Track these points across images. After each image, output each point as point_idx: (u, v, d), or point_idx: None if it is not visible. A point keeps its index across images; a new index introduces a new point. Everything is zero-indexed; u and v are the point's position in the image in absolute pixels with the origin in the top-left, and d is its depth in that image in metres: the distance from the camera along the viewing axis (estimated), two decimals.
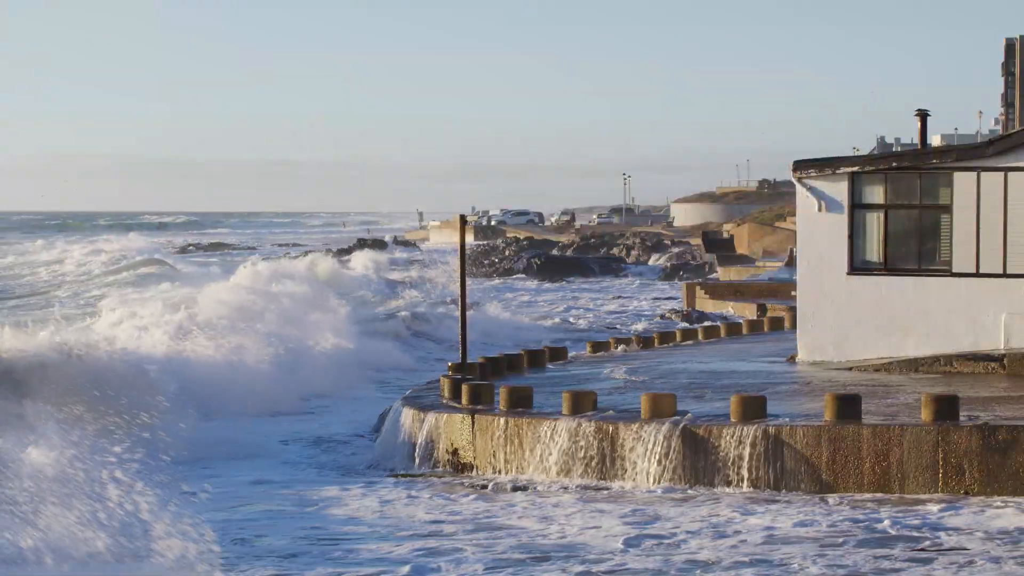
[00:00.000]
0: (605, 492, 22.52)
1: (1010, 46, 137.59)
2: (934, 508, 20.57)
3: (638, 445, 22.94)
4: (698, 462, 22.59)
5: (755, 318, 43.72)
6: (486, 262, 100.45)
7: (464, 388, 26.32)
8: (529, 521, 20.60)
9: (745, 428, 22.46)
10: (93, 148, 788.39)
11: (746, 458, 22.29)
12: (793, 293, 36.36)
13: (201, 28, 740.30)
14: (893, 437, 21.79)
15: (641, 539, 19.28)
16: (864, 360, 29.61)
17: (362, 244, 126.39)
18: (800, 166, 30.51)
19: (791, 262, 62.37)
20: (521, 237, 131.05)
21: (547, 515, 21.00)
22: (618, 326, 55.53)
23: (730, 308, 55.51)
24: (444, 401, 26.82)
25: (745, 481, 22.22)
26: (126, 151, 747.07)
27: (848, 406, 22.57)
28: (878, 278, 30.09)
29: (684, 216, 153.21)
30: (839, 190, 30.26)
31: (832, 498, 21.40)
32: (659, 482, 22.60)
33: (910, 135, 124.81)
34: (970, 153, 29.80)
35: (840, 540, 18.88)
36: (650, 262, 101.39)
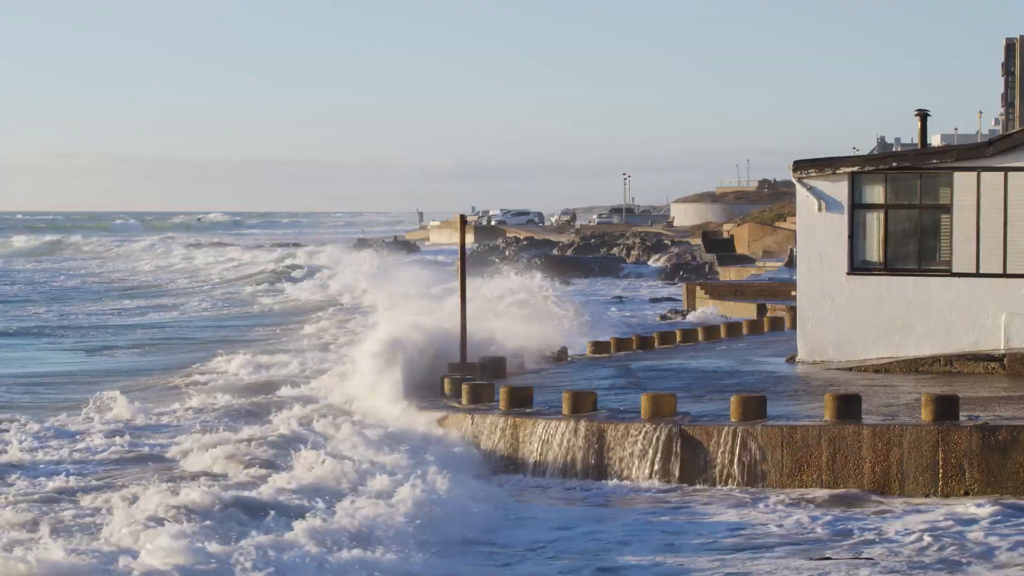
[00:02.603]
0: (598, 491, 22.56)
1: (1010, 46, 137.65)
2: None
3: (633, 446, 22.94)
4: (692, 462, 22.60)
5: (754, 318, 43.65)
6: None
7: (464, 388, 26.33)
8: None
9: (739, 428, 22.49)
10: (86, 147, 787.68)
11: (737, 458, 22.31)
12: (793, 293, 36.35)
13: (195, 26, 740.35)
14: (893, 437, 21.80)
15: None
16: (864, 360, 29.62)
17: (362, 244, 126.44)
18: (800, 166, 30.52)
19: (791, 262, 62.34)
20: (521, 237, 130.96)
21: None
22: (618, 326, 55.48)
23: (714, 307, 55.39)
24: (444, 401, 26.83)
25: (736, 480, 22.24)
26: (119, 150, 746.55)
27: (848, 406, 22.59)
28: (878, 278, 30.10)
29: (684, 216, 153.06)
30: (839, 190, 30.27)
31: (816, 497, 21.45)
32: (652, 481, 22.62)
33: (910, 135, 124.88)
34: (970, 153, 29.81)
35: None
36: (650, 262, 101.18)
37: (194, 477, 22.58)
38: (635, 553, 18.69)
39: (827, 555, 18.25)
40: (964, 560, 17.95)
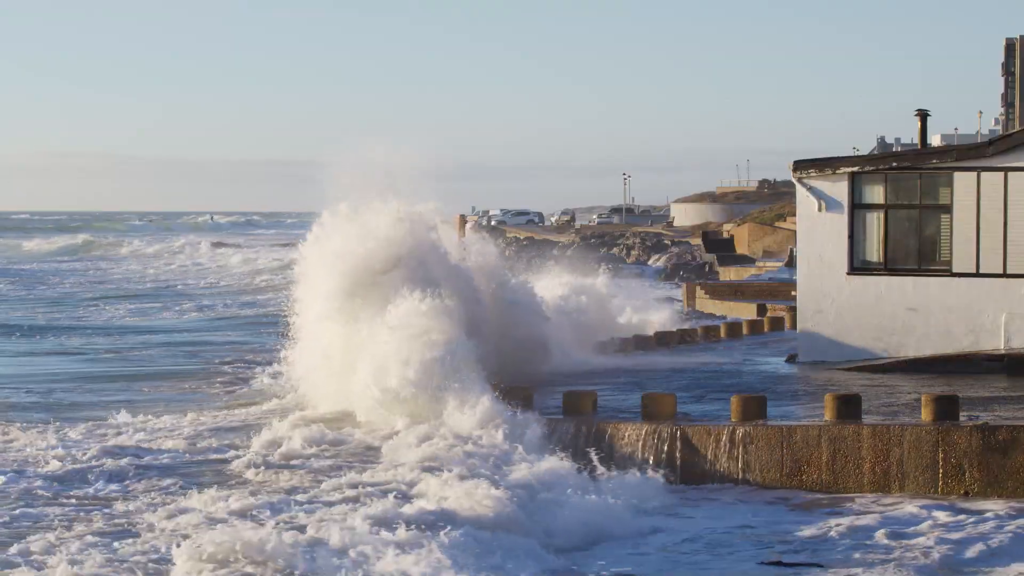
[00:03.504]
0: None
1: (1010, 46, 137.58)
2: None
3: (632, 445, 22.93)
4: (692, 462, 22.59)
5: (754, 318, 43.63)
6: None
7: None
8: None
9: (739, 428, 22.48)
10: (86, 146, 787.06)
11: (739, 457, 22.29)
12: (793, 293, 36.34)
13: (195, 26, 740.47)
14: (893, 437, 21.79)
15: None
16: (864, 360, 29.61)
17: None
18: (800, 166, 30.53)
19: (791, 262, 62.34)
20: (521, 237, 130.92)
21: None
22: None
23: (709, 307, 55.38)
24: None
25: (739, 480, 22.24)
26: (120, 150, 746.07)
27: (848, 406, 22.58)
28: (878, 278, 30.11)
29: (684, 216, 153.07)
30: (839, 190, 30.28)
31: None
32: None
33: (910, 135, 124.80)
34: (970, 153, 29.82)
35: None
36: (650, 262, 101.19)
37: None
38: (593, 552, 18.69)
39: (778, 560, 18.13)
40: (921, 566, 17.77)
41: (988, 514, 20.05)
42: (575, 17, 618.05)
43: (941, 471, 21.52)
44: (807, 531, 19.44)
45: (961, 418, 22.08)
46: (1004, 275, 29.29)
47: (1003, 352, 28.83)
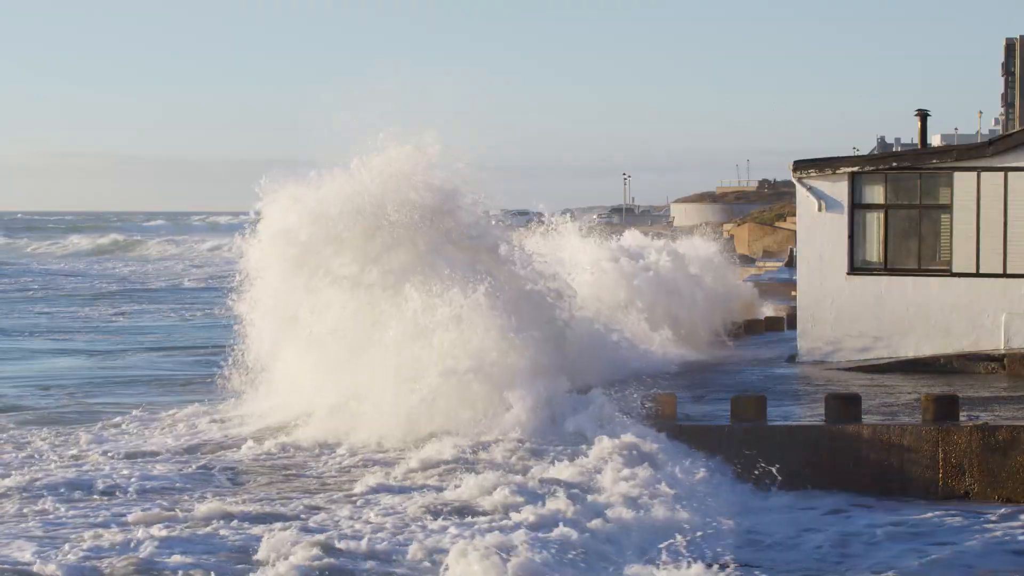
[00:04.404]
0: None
1: (1010, 46, 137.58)
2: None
3: None
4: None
5: (754, 318, 43.56)
6: None
7: None
8: None
9: (742, 427, 22.47)
10: (86, 147, 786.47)
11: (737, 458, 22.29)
12: (793, 293, 36.32)
13: (195, 26, 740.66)
14: (893, 437, 21.78)
15: None
16: (864, 360, 29.61)
17: None
18: (800, 166, 30.53)
19: (791, 262, 62.32)
20: None
21: None
22: None
23: None
24: None
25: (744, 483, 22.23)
26: (119, 150, 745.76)
27: (848, 406, 22.57)
28: (878, 278, 30.11)
29: (684, 216, 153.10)
30: (839, 190, 30.28)
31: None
32: None
33: (910, 135, 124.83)
34: (970, 153, 29.83)
35: None
36: None
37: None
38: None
39: (727, 562, 18.02)
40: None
41: (956, 520, 20.05)
42: (575, 17, 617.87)
43: (941, 471, 21.52)
44: (778, 533, 19.41)
45: (961, 418, 22.09)
46: (1004, 275, 29.30)
47: (1003, 352, 28.84)
